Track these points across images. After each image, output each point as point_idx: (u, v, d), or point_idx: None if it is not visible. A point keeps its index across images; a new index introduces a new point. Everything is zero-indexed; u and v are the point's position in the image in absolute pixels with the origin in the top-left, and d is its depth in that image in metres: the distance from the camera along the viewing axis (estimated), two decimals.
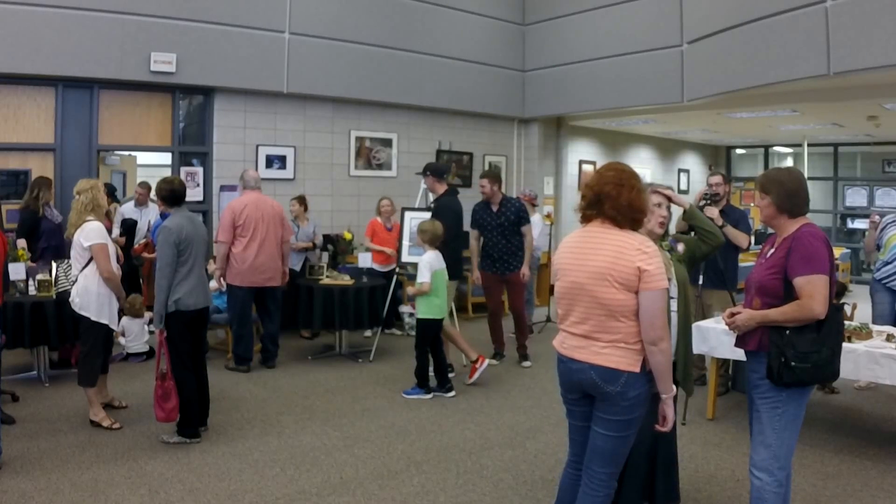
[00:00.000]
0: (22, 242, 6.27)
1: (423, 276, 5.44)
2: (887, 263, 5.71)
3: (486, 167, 10.45)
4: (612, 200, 2.58)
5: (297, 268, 7.18)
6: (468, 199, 10.24)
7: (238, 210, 6.14)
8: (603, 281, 2.52)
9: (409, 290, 5.71)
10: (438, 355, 5.60)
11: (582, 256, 2.60)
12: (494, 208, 6.48)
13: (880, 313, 5.70)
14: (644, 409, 2.61)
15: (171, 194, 4.53)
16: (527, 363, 6.49)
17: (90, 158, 7.41)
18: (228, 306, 6.34)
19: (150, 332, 6.37)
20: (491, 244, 6.49)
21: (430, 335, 5.55)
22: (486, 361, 5.96)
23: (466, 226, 6.74)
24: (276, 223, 6.25)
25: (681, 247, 3.18)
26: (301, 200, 7.45)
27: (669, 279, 3.03)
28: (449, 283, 5.77)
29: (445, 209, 6.16)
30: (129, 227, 7.30)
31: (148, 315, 6.29)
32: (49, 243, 6.32)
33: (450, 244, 5.93)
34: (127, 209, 7.45)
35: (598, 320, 2.56)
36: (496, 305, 6.70)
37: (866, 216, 13.20)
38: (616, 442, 2.60)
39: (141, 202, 7.51)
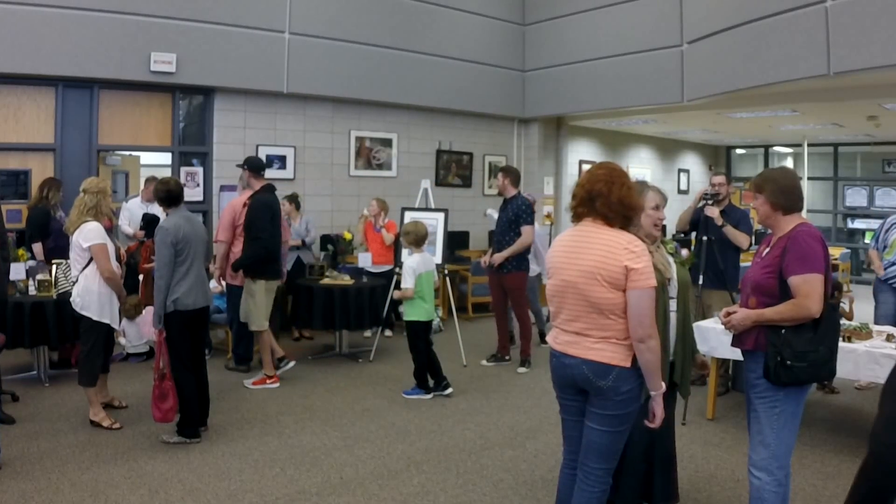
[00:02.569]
0: (38, 247, 6.25)
1: (407, 282, 5.43)
2: (893, 264, 5.68)
3: (486, 167, 10.46)
4: (604, 198, 2.61)
5: (289, 267, 7.16)
6: (468, 199, 10.32)
7: (238, 209, 6.14)
8: (592, 280, 2.55)
9: (395, 294, 5.71)
10: (431, 356, 5.60)
11: (573, 255, 2.64)
12: (504, 204, 6.51)
13: (884, 313, 5.68)
14: (638, 404, 2.64)
15: (168, 195, 4.53)
16: (522, 369, 6.41)
17: (90, 158, 7.41)
18: (229, 306, 6.34)
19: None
20: (495, 240, 6.54)
21: (421, 337, 5.54)
22: (277, 384, 5.73)
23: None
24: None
25: (685, 252, 3.21)
26: (291, 199, 7.39)
27: (669, 279, 3.04)
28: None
29: (261, 205, 5.75)
30: (149, 221, 7.15)
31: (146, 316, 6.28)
32: (57, 243, 6.29)
33: (265, 242, 5.67)
34: (133, 205, 7.36)
35: (590, 318, 2.59)
36: (495, 304, 6.68)
37: (866, 216, 13.23)
38: (610, 437, 2.62)
39: (149, 198, 7.39)
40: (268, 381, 5.76)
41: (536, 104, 10.35)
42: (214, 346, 6.85)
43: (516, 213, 6.34)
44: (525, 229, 6.32)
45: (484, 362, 6.62)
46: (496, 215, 6.71)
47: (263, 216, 5.67)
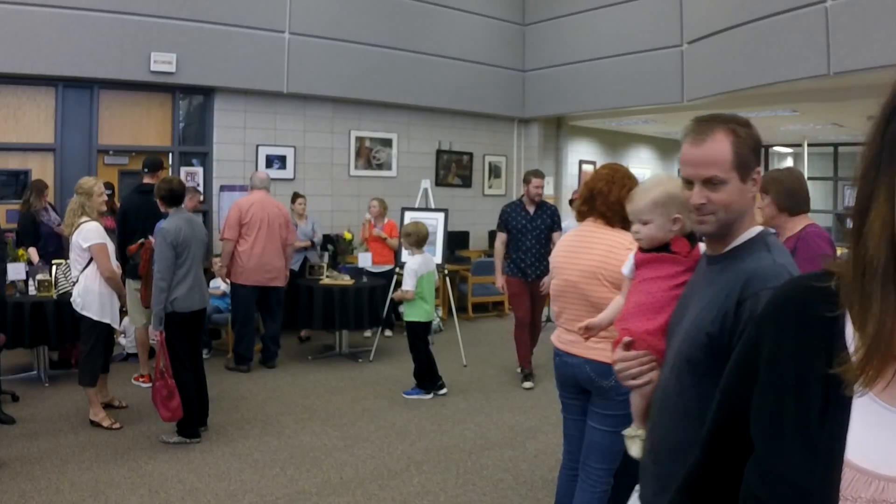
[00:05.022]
0: (32, 251, 6.19)
1: (408, 284, 5.43)
2: None
3: (486, 167, 10.46)
4: (603, 196, 2.63)
5: (296, 267, 7.17)
6: (468, 199, 10.31)
7: (245, 208, 6.17)
8: (594, 279, 2.56)
9: (394, 295, 5.71)
10: (429, 355, 5.60)
11: (574, 255, 2.65)
12: (531, 210, 6.02)
13: None
14: None
15: (170, 194, 4.52)
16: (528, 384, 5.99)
17: (90, 158, 7.41)
18: (232, 305, 6.35)
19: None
20: (523, 249, 5.94)
21: (420, 337, 5.55)
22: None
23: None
24: (280, 224, 6.28)
25: None
26: (304, 198, 7.46)
27: None
28: None
29: (124, 202, 5.84)
30: None
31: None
32: (47, 249, 6.21)
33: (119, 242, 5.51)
34: None
35: (591, 317, 2.59)
36: (525, 314, 6.01)
37: None
38: (612, 437, 2.62)
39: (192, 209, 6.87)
40: (141, 380, 5.57)
41: (536, 104, 10.35)
42: (214, 346, 6.85)
43: (552, 219, 6.06)
44: (557, 236, 5.98)
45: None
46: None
47: (118, 218, 5.73)
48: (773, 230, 1.62)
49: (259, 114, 8.29)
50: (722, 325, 1.46)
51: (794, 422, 0.73)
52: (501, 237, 6.08)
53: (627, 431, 1.87)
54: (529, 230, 6.02)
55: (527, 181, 6.09)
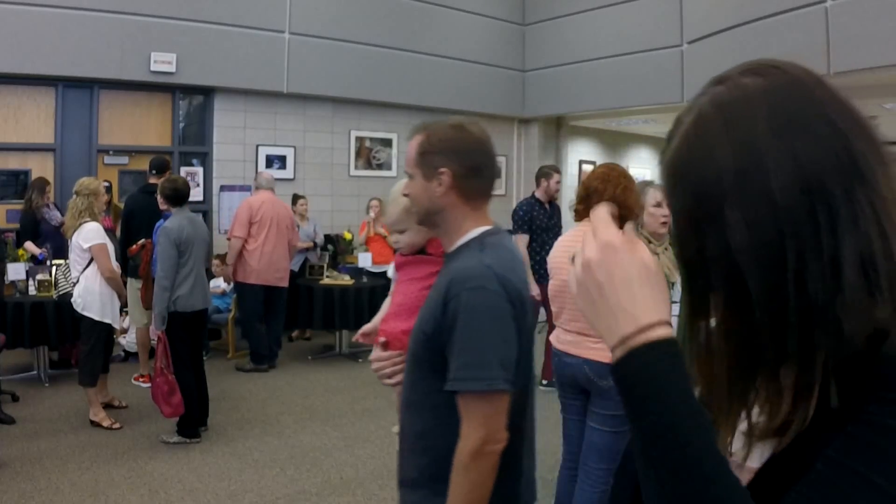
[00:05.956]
0: (31, 246, 6.21)
1: None
2: None
3: None
4: (599, 195, 2.65)
5: (296, 268, 7.17)
6: None
7: (255, 207, 6.20)
8: None
9: None
10: None
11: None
12: (548, 207, 5.86)
13: None
14: None
15: (175, 193, 4.52)
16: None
17: (90, 158, 7.41)
18: (240, 305, 6.35)
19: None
20: (548, 248, 5.41)
21: None
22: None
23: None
24: (287, 225, 6.32)
25: None
26: (305, 199, 7.48)
27: (673, 283, 3.03)
28: None
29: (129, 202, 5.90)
30: None
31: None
32: (48, 247, 6.23)
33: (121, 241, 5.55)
34: None
35: None
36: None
37: None
38: (611, 437, 2.63)
39: None
40: (141, 380, 5.59)
41: (536, 104, 10.35)
42: (214, 346, 6.85)
43: (559, 217, 5.95)
44: None
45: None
46: None
47: (122, 217, 5.80)
48: (499, 229, 1.61)
49: (259, 114, 8.28)
50: (434, 324, 1.50)
51: None
52: (524, 239, 5.52)
53: (394, 429, 1.91)
54: (551, 228, 5.74)
55: (547, 176, 5.80)
